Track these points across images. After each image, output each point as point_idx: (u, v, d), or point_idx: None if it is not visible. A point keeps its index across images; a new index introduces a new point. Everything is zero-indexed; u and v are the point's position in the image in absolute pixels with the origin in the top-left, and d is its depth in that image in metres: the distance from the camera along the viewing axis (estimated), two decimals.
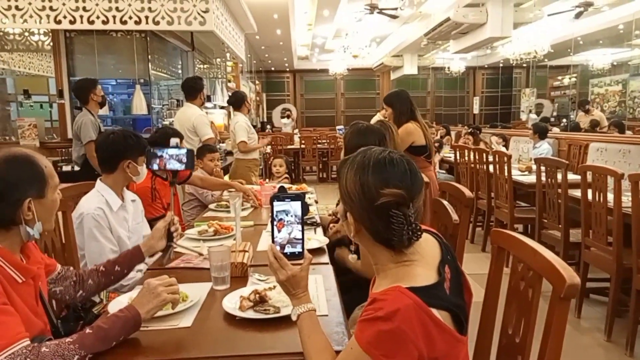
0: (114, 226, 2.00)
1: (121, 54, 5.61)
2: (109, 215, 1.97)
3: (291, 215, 1.15)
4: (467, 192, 1.74)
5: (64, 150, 5.08)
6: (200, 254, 1.87)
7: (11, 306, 1.10)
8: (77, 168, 4.06)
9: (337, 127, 9.73)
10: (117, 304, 1.33)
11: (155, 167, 1.79)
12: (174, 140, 1.96)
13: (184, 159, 1.73)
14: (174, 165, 1.72)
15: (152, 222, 2.50)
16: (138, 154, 2.07)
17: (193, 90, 4.29)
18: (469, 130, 7.00)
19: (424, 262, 1.01)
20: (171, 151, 1.75)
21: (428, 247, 1.06)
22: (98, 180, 2.07)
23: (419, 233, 0.98)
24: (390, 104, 3.32)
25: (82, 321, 1.51)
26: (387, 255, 1.02)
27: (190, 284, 1.50)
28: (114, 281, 1.57)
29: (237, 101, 4.86)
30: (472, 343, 1.37)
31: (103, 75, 5.62)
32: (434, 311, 0.92)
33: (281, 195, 1.16)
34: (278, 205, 1.15)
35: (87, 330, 1.11)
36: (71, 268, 1.52)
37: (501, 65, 14.62)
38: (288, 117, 13.57)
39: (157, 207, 2.62)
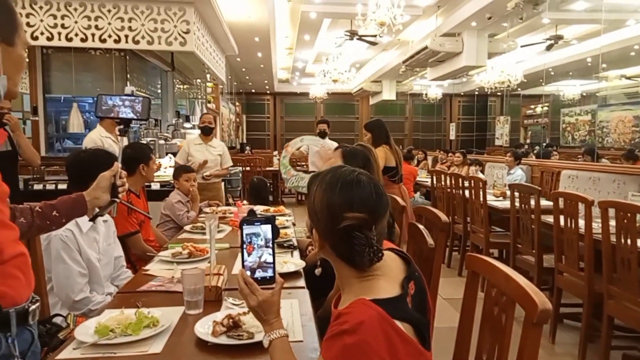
0: (84, 248, 1.94)
1: (99, 72, 5.57)
2: (78, 237, 1.91)
3: (261, 239, 1.14)
4: (443, 217, 1.76)
5: (35, 168, 4.95)
6: (173, 277, 1.83)
7: None
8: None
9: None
10: (85, 328, 1.29)
11: (103, 114, 1.57)
12: (128, 89, 1.79)
13: (139, 108, 1.53)
14: (126, 113, 1.53)
15: (124, 239, 2.45)
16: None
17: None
18: (461, 150, 7.29)
19: (387, 276, 1.03)
20: (125, 98, 1.56)
21: (393, 264, 1.07)
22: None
23: (380, 255, 1.00)
24: (370, 130, 3.92)
25: (46, 347, 1.44)
26: (350, 271, 1.04)
27: (161, 307, 1.45)
28: (49, 226, 1.32)
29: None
30: None
31: (80, 93, 5.55)
32: (397, 323, 0.93)
33: (251, 218, 1.15)
34: (248, 229, 1.14)
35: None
36: None
37: (476, 93, 15.08)
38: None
39: (132, 222, 2.56)
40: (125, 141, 1.59)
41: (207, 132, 4.58)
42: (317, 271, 1.87)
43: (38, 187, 4.34)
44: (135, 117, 1.55)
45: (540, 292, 1.02)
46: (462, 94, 15.83)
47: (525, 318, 1.02)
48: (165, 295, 1.66)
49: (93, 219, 1.44)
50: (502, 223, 4.42)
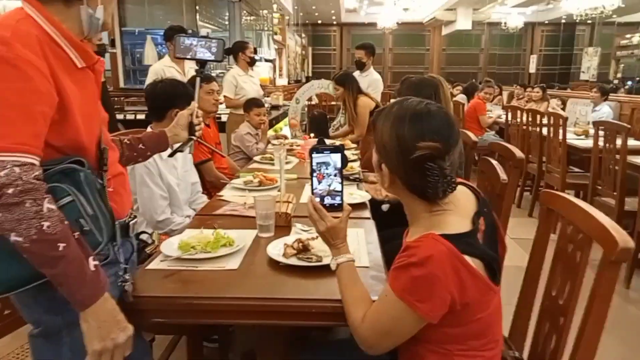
0: (164, 173, 2.08)
1: (170, 4, 5.65)
2: (159, 163, 2.05)
3: (331, 168, 1.16)
4: (518, 153, 1.69)
5: (116, 99, 5.25)
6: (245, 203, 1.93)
7: (44, 110, 0.93)
8: None
9: None
10: (169, 244, 1.41)
11: (182, 54, 1.62)
12: (204, 30, 1.85)
13: (214, 49, 1.59)
14: (203, 54, 1.59)
15: (199, 166, 2.59)
16: (186, 103, 2.11)
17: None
18: (540, 85, 6.73)
19: (457, 211, 1.02)
20: (201, 40, 1.61)
21: (463, 199, 1.06)
22: (148, 128, 2.15)
23: (454, 185, 0.99)
24: (342, 84, 3.82)
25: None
26: (420, 205, 1.03)
27: (236, 230, 1.55)
28: (135, 157, 1.44)
29: (232, 52, 4.47)
30: (511, 306, 1.37)
31: (153, 26, 5.69)
32: (467, 258, 0.93)
33: (320, 147, 1.17)
34: (317, 157, 1.16)
35: (78, 241, 0.97)
36: None
37: (563, 21, 13.61)
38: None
39: (203, 151, 2.69)
40: (198, 81, 1.63)
41: (253, 63, 4.60)
42: (384, 207, 1.89)
43: (119, 116, 4.63)
44: (210, 58, 1.59)
45: (622, 230, 0.97)
46: (546, 22, 14.39)
47: (603, 256, 0.98)
48: (239, 219, 1.76)
49: (172, 154, 1.56)
50: (581, 163, 4.16)
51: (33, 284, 0.97)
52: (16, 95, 0.90)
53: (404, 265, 0.94)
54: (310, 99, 4.90)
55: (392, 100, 2.13)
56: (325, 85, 4.97)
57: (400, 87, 2.21)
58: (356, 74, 4.53)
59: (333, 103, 8.92)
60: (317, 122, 4.82)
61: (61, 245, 0.91)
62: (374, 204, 2.10)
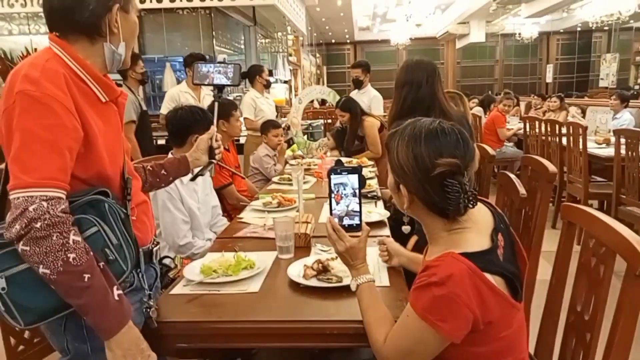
0: (185, 198, 2.12)
1: (188, 31, 5.80)
2: (180, 188, 2.10)
3: (349, 188, 1.17)
4: (551, 167, 1.61)
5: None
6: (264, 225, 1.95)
7: (70, 144, 0.97)
8: None
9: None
10: (192, 268, 1.44)
11: (200, 81, 1.67)
12: (221, 56, 1.92)
13: (230, 74, 1.64)
14: (220, 80, 1.64)
15: (220, 190, 2.64)
16: (205, 128, 2.16)
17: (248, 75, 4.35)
18: (558, 95, 6.66)
19: (476, 229, 1.01)
20: (218, 66, 1.66)
21: (480, 216, 1.06)
22: (169, 154, 2.20)
23: (475, 201, 0.98)
24: (347, 110, 3.79)
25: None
26: (440, 224, 1.03)
27: (256, 252, 1.57)
28: (158, 183, 1.49)
29: (249, 76, 4.57)
30: (537, 320, 1.35)
31: (171, 53, 5.85)
32: (488, 276, 0.92)
33: (338, 168, 1.18)
34: (335, 178, 1.17)
35: (103, 271, 1.00)
36: None
37: (579, 29, 13.52)
38: None
39: (224, 175, 2.74)
40: (216, 106, 1.67)
41: (269, 86, 4.70)
42: (405, 229, 1.88)
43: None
44: (227, 83, 1.65)
45: None
46: (561, 31, 14.30)
47: (627, 269, 0.97)
48: (259, 241, 1.78)
49: (194, 178, 1.59)
50: (604, 172, 4.07)
51: (62, 313, 1.00)
52: (44, 131, 0.95)
53: (424, 285, 0.93)
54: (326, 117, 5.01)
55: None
56: (326, 92, 5.15)
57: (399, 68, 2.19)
58: (354, 92, 4.68)
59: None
60: (341, 137, 4.79)
61: (86, 276, 0.95)
62: (396, 225, 2.10)
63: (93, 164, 1.04)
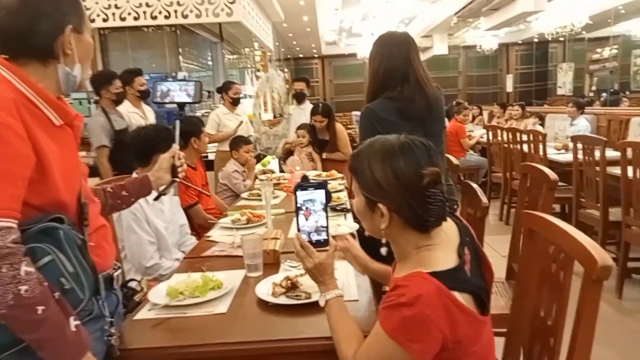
0: (151, 218, 2.08)
1: (154, 49, 5.74)
2: (145, 208, 2.05)
3: (316, 204, 1.17)
4: (552, 175, 1.61)
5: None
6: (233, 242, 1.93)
7: (22, 171, 0.94)
8: None
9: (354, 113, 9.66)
10: (157, 291, 1.40)
11: (160, 99, 1.67)
12: (182, 74, 1.90)
13: (191, 91, 1.62)
14: (181, 97, 1.62)
15: (187, 210, 2.59)
16: (168, 146, 2.12)
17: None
18: (519, 103, 6.88)
19: (444, 245, 1.01)
20: (178, 83, 1.64)
21: (449, 230, 1.06)
22: (134, 174, 2.15)
23: (456, 205, 0.99)
24: (328, 115, 3.91)
25: (124, 309, 1.58)
26: (412, 242, 1.02)
27: (224, 271, 1.55)
28: (120, 205, 1.45)
29: (221, 92, 4.67)
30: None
31: None
32: (456, 294, 0.93)
33: (304, 184, 1.18)
34: (302, 195, 1.17)
35: (59, 302, 0.95)
36: None
37: (536, 40, 14.06)
38: None
39: (190, 195, 2.69)
40: (177, 124, 1.64)
41: (237, 102, 4.64)
42: (383, 250, 1.86)
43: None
44: (188, 101, 1.63)
45: (601, 248, 0.99)
46: (519, 42, 14.86)
47: (584, 274, 1.00)
48: (227, 260, 1.76)
49: (157, 198, 1.55)
50: (564, 177, 4.21)
51: (14, 349, 0.94)
52: None
53: (394, 305, 0.92)
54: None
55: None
56: (278, 80, 5.46)
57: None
58: (292, 107, 4.82)
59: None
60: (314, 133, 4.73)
61: (40, 309, 0.90)
62: (372, 246, 2.08)
63: (47, 190, 1.00)
